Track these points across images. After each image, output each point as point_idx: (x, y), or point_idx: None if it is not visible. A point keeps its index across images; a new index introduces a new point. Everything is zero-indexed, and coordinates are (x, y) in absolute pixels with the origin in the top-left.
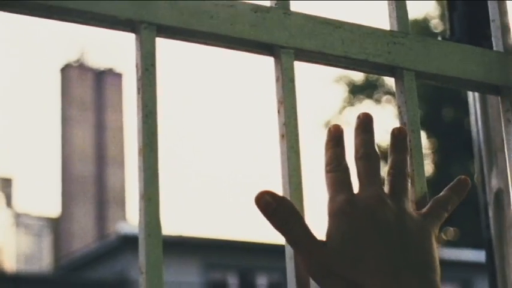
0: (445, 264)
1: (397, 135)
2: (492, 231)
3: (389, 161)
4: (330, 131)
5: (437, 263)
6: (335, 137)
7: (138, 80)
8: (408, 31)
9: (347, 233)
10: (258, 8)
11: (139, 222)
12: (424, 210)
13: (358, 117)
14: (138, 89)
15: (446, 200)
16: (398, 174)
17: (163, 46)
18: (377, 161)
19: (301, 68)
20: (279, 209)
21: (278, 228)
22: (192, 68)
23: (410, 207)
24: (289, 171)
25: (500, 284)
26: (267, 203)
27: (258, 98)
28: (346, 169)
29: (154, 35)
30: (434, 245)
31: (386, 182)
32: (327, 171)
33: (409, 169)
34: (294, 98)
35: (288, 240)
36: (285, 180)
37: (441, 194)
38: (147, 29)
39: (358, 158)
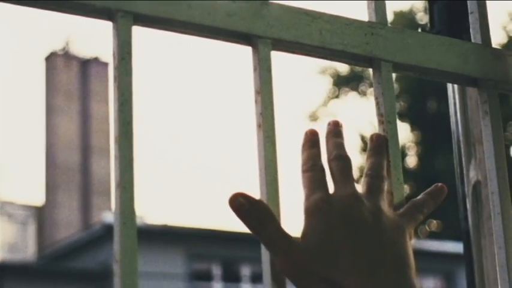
0: (428, 256)
1: (376, 141)
2: (470, 223)
3: (366, 163)
4: (306, 134)
5: (412, 259)
6: (311, 139)
7: (115, 68)
8: (386, 22)
9: (322, 231)
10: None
11: (115, 210)
12: (401, 210)
13: (329, 124)
14: (115, 77)
15: (423, 204)
16: (375, 175)
17: (142, 35)
18: (349, 162)
19: (285, 59)
20: (252, 210)
21: (252, 229)
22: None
23: (385, 206)
24: (266, 162)
25: (477, 276)
26: (240, 205)
27: (238, 87)
28: (321, 169)
29: (131, 24)
30: (409, 242)
31: (362, 183)
32: (303, 171)
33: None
34: (271, 87)
35: (262, 241)
36: (261, 170)
37: (419, 197)
38: (124, 18)
39: (331, 160)
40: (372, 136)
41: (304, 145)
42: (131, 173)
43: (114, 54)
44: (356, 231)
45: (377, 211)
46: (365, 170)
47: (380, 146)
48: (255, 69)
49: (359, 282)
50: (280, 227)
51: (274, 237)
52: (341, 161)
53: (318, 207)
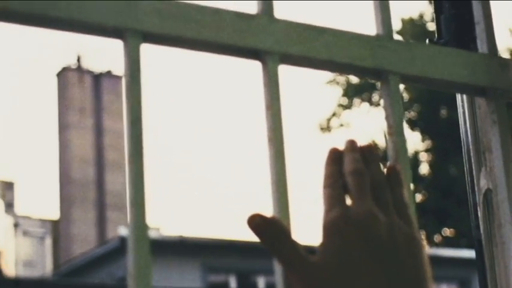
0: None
1: (366, 150)
2: (481, 231)
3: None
4: (329, 151)
5: (429, 270)
6: (333, 156)
7: (125, 86)
8: (392, 35)
9: (339, 248)
10: (242, 15)
11: (129, 226)
12: (407, 219)
13: (346, 142)
14: (126, 95)
15: (402, 197)
16: (378, 185)
17: (154, 52)
18: (365, 177)
19: (295, 70)
20: (268, 229)
21: (268, 249)
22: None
23: (395, 218)
24: (276, 175)
25: (490, 284)
26: (257, 224)
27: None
28: (341, 186)
29: (140, 42)
30: (424, 252)
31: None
32: (323, 187)
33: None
34: (280, 102)
35: (278, 260)
36: (273, 184)
37: (399, 196)
38: (133, 37)
39: (347, 175)
40: (362, 147)
41: (326, 162)
42: (143, 189)
43: (124, 73)
44: (373, 248)
45: (393, 226)
46: (373, 183)
47: (373, 155)
48: (264, 85)
49: None
50: (296, 245)
51: (290, 257)
52: (356, 176)
53: (335, 224)
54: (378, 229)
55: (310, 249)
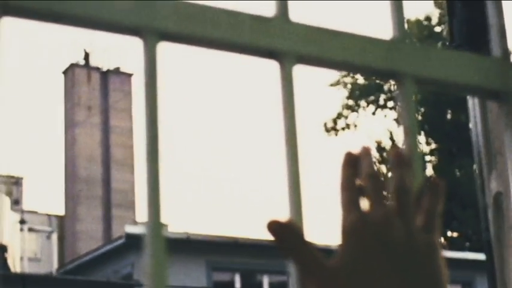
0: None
1: (395, 155)
2: (491, 233)
3: (390, 179)
4: (345, 154)
5: (445, 275)
6: (348, 159)
7: (144, 84)
8: (406, 38)
9: (356, 253)
10: (258, 17)
11: (146, 224)
12: (423, 222)
13: (362, 147)
14: (144, 92)
15: (436, 207)
16: (401, 191)
17: (172, 53)
18: (381, 181)
19: (307, 71)
20: (285, 235)
21: (286, 254)
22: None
23: (414, 222)
24: (290, 175)
25: (499, 285)
26: (273, 231)
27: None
28: (358, 190)
29: (158, 40)
30: (442, 259)
31: (390, 199)
32: (341, 191)
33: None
34: (294, 103)
35: (295, 265)
36: (288, 185)
37: (427, 203)
38: (150, 35)
39: (365, 178)
40: (390, 151)
41: (342, 165)
42: (159, 187)
43: (143, 71)
44: (390, 252)
45: (409, 230)
46: (391, 187)
47: (400, 160)
48: (279, 85)
49: None
50: (313, 250)
51: (306, 261)
52: (373, 179)
53: (353, 228)
54: (395, 234)
55: (323, 250)
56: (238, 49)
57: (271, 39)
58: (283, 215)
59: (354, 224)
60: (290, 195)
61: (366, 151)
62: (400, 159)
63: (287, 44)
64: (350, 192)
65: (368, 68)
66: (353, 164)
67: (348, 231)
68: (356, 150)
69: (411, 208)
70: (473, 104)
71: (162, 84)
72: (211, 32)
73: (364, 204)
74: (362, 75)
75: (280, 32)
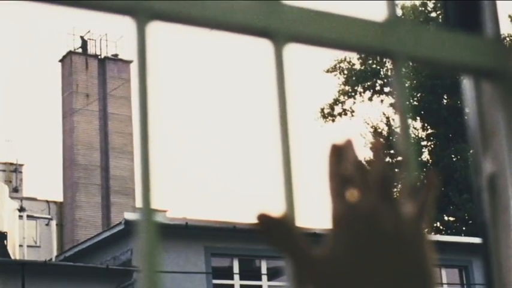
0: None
1: (375, 145)
2: (486, 215)
3: (372, 169)
4: (331, 146)
5: (433, 263)
6: (335, 150)
7: (137, 63)
8: (399, 19)
9: (345, 243)
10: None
11: (140, 210)
12: (413, 210)
13: (346, 140)
14: (138, 72)
15: (428, 197)
16: (385, 178)
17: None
18: (370, 170)
19: (304, 57)
20: (273, 229)
21: (276, 248)
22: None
23: (402, 211)
24: (283, 162)
25: (495, 267)
26: (263, 224)
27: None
28: (344, 179)
29: (148, 20)
30: (429, 247)
31: (375, 188)
32: (329, 181)
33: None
34: (286, 82)
35: (286, 257)
36: (280, 169)
37: (421, 193)
38: (141, 14)
39: (352, 168)
40: (372, 142)
41: (329, 156)
42: (150, 172)
43: (135, 51)
44: (379, 242)
45: (397, 219)
46: (374, 177)
47: (381, 149)
48: (272, 64)
49: None
50: (302, 243)
51: (297, 257)
52: (359, 169)
53: (341, 218)
54: (383, 223)
55: (316, 235)
56: (231, 28)
57: (264, 18)
58: (275, 204)
59: (343, 214)
60: (283, 177)
61: (350, 142)
62: (381, 149)
63: (279, 23)
64: (337, 183)
65: (361, 47)
66: (339, 155)
67: (337, 221)
68: (340, 141)
69: (395, 196)
70: (467, 84)
71: (155, 64)
72: (204, 11)
73: (352, 194)
74: (356, 54)
75: (273, 12)
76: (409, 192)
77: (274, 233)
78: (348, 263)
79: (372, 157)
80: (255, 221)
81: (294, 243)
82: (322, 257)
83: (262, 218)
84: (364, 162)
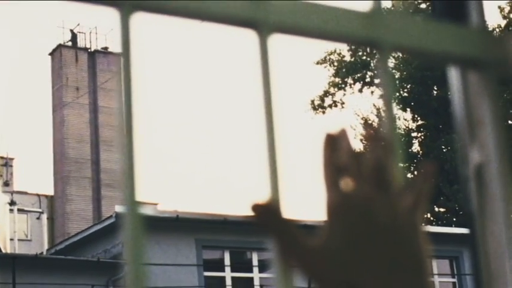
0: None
1: (369, 133)
2: (474, 204)
3: (368, 157)
4: (325, 136)
5: (426, 254)
6: (329, 140)
7: (121, 55)
8: (383, 8)
9: (340, 232)
10: None
11: (124, 201)
12: (408, 202)
13: (341, 129)
14: (122, 64)
15: (424, 189)
16: (377, 167)
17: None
18: (364, 159)
19: (293, 49)
20: (265, 217)
21: (270, 237)
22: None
23: (398, 200)
24: (268, 152)
25: (482, 257)
26: (258, 214)
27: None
28: (338, 169)
29: (132, 11)
30: (424, 239)
31: (369, 178)
32: (323, 171)
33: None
34: (271, 76)
35: (278, 248)
36: (266, 158)
37: (417, 183)
38: (125, 5)
39: (346, 157)
40: (365, 130)
41: (323, 146)
42: (133, 163)
43: (119, 42)
44: (373, 230)
45: (392, 209)
46: (369, 166)
47: (376, 137)
48: (257, 54)
49: (376, 283)
50: (295, 230)
51: (289, 244)
52: (353, 158)
53: (336, 207)
54: (378, 212)
55: (307, 226)
56: (216, 19)
57: (248, 9)
58: (264, 194)
59: (338, 204)
60: (268, 169)
61: (344, 132)
62: (375, 137)
63: (264, 14)
64: (332, 172)
65: (346, 38)
66: (333, 144)
67: (332, 210)
68: (334, 131)
69: (392, 185)
70: (453, 74)
71: (139, 55)
72: (189, 2)
73: (347, 183)
74: (341, 44)
75: (258, 3)
76: (405, 182)
77: (269, 222)
78: (343, 252)
79: (361, 149)
80: (249, 211)
81: (289, 232)
82: (316, 246)
83: (257, 208)
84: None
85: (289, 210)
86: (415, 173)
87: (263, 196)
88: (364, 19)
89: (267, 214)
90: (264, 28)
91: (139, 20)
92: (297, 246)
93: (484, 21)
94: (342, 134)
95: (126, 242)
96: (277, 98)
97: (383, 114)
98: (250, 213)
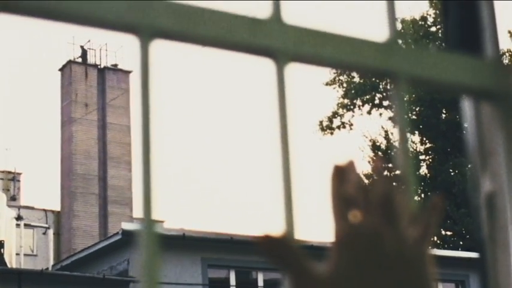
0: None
1: (377, 165)
2: (484, 232)
3: (374, 191)
4: (334, 167)
5: (434, 280)
6: (338, 171)
7: (139, 81)
8: (399, 39)
9: (346, 265)
10: (253, 18)
11: (142, 221)
12: (416, 233)
13: (349, 160)
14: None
15: (433, 221)
16: (387, 198)
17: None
18: (372, 191)
19: (302, 70)
20: (275, 250)
21: (279, 268)
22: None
23: (405, 233)
24: (283, 176)
25: (492, 286)
26: (264, 246)
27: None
28: (347, 200)
29: (152, 38)
30: (432, 271)
31: (377, 210)
32: (332, 202)
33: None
34: (287, 101)
35: (288, 278)
36: (281, 185)
37: (425, 215)
38: (145, 32)
39: (355, 189)
40: (373, 162)
41: (331, 176)
42: (152, 184)
43: (139, 68)
44: (381, 263)
45: (400, 241)
46: (376, 197)
47: (383, 169)
48: (274, 83)
49: None
50: (306, 262)
51: (300, 274)
52: (363, 191)
53: (344, 239)
54: (386, 245)
55: (317, 247)
56: (234, 47)
57: (266, 38)
58: (273, 217)
59: (345, 235)
60: (283, 194)
61: (352, 164)
62: (382, 169)
63: (281, 43)
64: (340, 204)
65: (362, 67)
66: (341, 175)
67: (340, 241)
68: (343, 162)
69: (399, 217)
70: (467, 104)
71: (157, 81)
72: (207, 30)
73: (355, 215)
74: (357, 73)
75: (275, 32)
76: (413, 214)
77: (278, 253)
78: (350, 283)
79: (369, 171)
80: (259, 242)
81: (298, 263)
82: (324, 277)
83: (267, 239)
84: (363, 177)
85: (299, 232)
86: (422, 195)
87: (267, 218)
88: (379, 49)
89: (275, 243)
90: (281, 57)
91: (159, 46)
92: (306, 276)
93: (498, 53)
94: (350, 166)
95: (141, 261)
96: (293, 125)
97: (397, 145)
98: (260, 243)
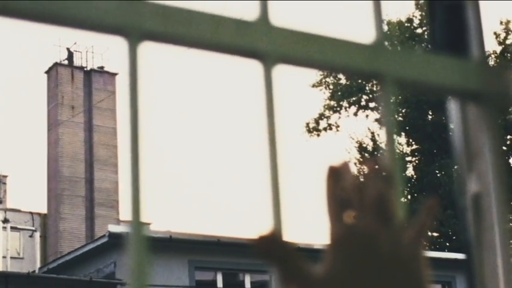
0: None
1: (370, 166)
2: (471, 234)
3: (367, 191)
4: (329, 168)
5: (428, 280)
6: (333, 172)
7: (128, 83)
8: (385, 41)
9: (344, 266)
10: (240, 20)
11: (130, 224)
12: (411, 234)
13: (343, 162)
14: (129, 92)
15: (427, 222)
16: (380, 199)
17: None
18: (366, 192)
19: (289, 72)
20: (270, 251)
21: (274, 268)
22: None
23: (400, 233)
24: (271, 179)
25: (478, 285)
26: (259, 247)
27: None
28: (342, 201)
29: (140, 40)
30: (425, 269)
31: (371, 210)
32: (327, 203)
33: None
34: (274, 102)
35: (283, 279)
36: (268, 186)
37: (420, 217)
38: (133, 34)
39: (349, 190)
40: (366, 163)
41: (326, 178)
42: (140, 187)
43: (127, 70)
44: (376, 263)
45: (394, 241)
46: (369, 198)
47: (376, 170)
48: (261, 84)
49: None
50: (299, 264)
51: (292, 274)
52: (357, 192)
53: (340, 240)
54: (381, 245)
55: (305, 249)
56: (221, 49)
57: (253, 40)
58: (260, 218)
59: (341, 236)
60: (271, 196)
61: (346, 165)
62: (375, 169)
63: (268, 45)
64: (335, 205)
65: (349, 69)
66: (336, 177)
67: (335, 242)
68: (337, 164)
69: (394, 217)
70: (453, 105)
71: (146, 83)
72: (196, 32)
73: (349, 216)
74: (344, 75)
75: (262, 34)
76: (407, 215)
77: (274, 254)
78: (345, 284)
79: (355, 172)
80: (254, 244)
81: (294, 264)
82: (320, 277)
83: (262, 241)
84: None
85: (290, 234)
86: (409, 197)
87: (264, 225)
88: (366, 51)
89: (271, 244)
90: (268, 59)
91: (147, 48)
92: (300, 276)
93: (484, 54)
94: (345, 167)
95: (130, 264)
96: (280, 126)
97: (384, 145)
98: (255, 245)
